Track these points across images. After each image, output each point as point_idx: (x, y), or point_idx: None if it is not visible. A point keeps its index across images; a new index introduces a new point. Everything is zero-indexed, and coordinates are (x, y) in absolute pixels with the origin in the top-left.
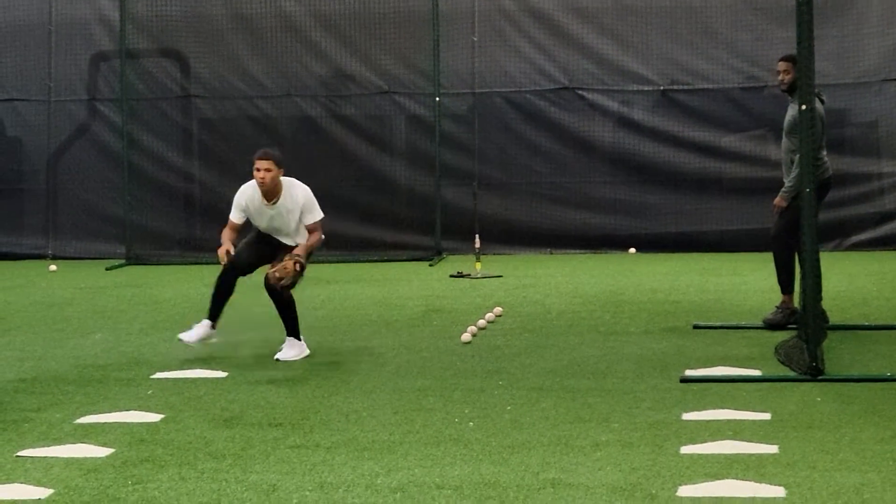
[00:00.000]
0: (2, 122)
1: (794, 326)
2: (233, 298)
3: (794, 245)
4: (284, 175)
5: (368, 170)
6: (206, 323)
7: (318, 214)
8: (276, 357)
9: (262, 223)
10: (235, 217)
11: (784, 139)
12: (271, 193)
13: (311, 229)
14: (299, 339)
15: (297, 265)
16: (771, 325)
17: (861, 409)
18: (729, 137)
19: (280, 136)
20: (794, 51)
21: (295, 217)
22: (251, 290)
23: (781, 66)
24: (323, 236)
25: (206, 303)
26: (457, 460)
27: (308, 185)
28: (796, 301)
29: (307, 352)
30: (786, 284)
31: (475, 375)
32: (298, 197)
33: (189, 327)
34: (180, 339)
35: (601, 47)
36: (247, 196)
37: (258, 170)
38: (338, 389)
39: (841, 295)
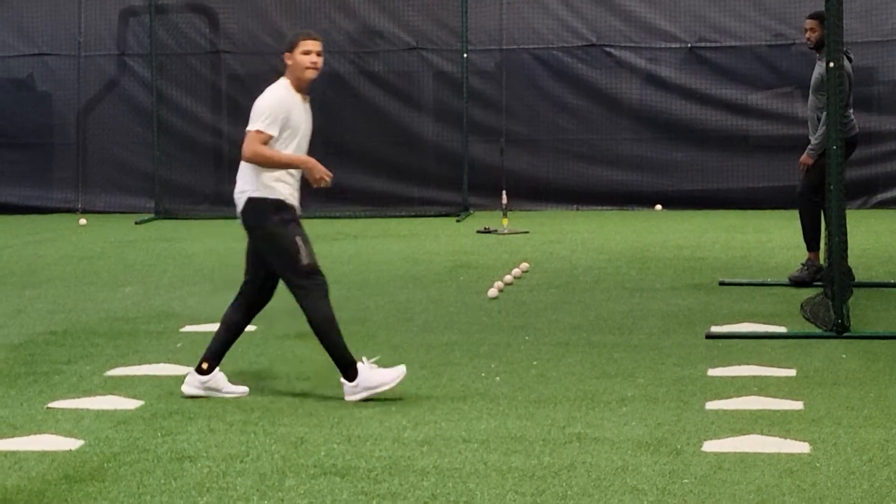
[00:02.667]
0: (32, 77)
1: (819, 284)
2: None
3: (819, 202)
4: None
5: (396, 126)
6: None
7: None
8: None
9: (299, 135)
10: (273, 130)
11: (811, 97)
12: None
13: None
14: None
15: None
16: (797, 283)
17: (886, 366)
18: (756, 95)
19: (308, 92)
20: (822, 8)
21: None
22: None
23: (808, 23)
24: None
25: (237, 257)
26: (483, 414)
27: (336, 141)
28: (822, 258)
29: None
30: (811, 242)
31: (502, 331)
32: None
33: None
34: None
35: (629, 4)
36: (285, 100)
37: (310, 52)
38: (365, 344)
39: (867, 252)
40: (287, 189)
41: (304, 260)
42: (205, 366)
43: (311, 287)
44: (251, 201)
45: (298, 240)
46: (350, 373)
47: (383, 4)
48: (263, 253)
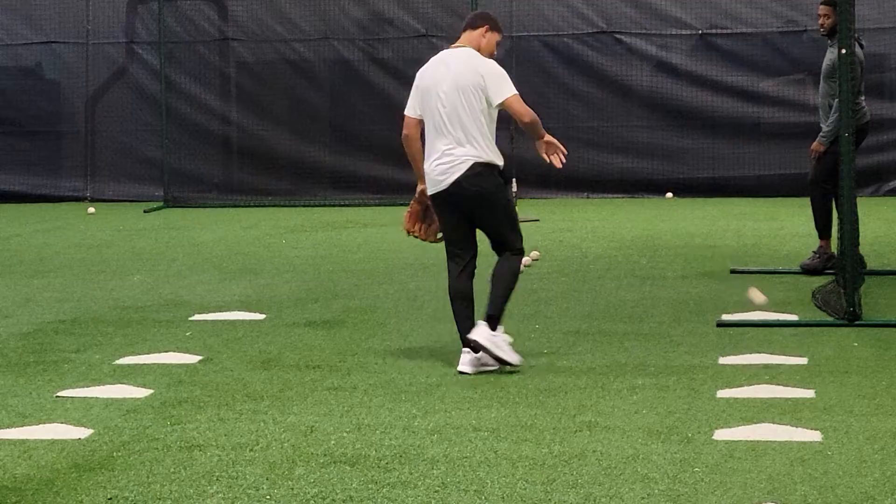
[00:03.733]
0: (40, 65)
1: (831, 272)
2: (270, 241)
3: (831, 190)
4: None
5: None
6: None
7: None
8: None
9: None
10: None
11: (822, 83)
12: None
13: None
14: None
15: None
16: (808, 271)
17: None
18: (767, 82)
19: (317, 80)
20: None
21: None
22: (288, 233)
23: (822, 9)
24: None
25: (246, 246)
26: (493, 403)
27: (345, 129)
28: (834, 246)
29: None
30: (823, 229)
31: (512, 319)
32: None
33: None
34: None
35: None
36: None
37: (498, 47)
38: (375, 332)
39: (879, 240)
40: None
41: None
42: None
43: (521, 247)
44: (480, 165)
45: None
46: (494, 324)
47: None
48: (482, 212)
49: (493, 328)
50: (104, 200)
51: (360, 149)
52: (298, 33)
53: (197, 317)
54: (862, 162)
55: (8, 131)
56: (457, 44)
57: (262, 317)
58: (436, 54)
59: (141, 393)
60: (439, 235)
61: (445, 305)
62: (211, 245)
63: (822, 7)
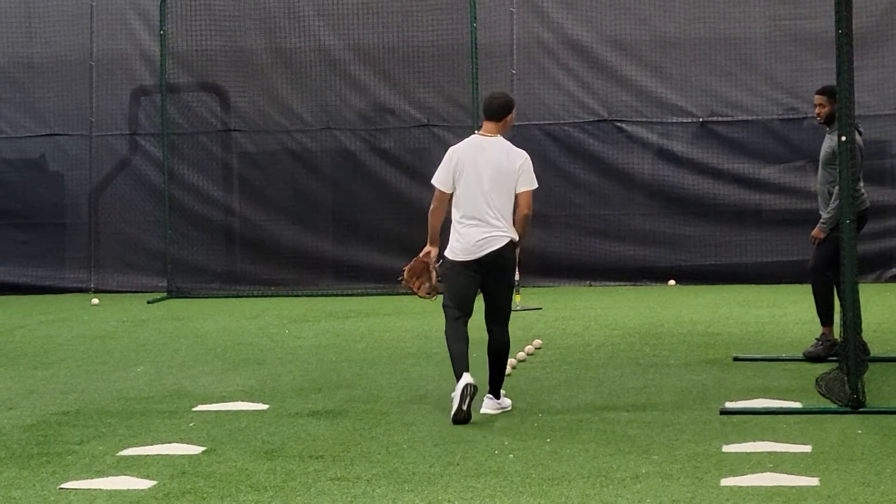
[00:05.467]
0: (44, 157)
1: (834, 358)
2: (273, 331)
3: (832, 277)
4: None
5: (407, 202)
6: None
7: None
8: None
9: None
10: None
11: (820, 170)
12: None
13: None
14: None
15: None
16: (811, 358)
17: None
18: (768, 169)
19: (320, 170)
20: (834, 82)
21: None
22: (291, 322)
23: (817, 98)
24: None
25: (249, 336)
26: (497, 492)
27: (348, 218)
28: (836, 333)
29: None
30: (825, 316)
31: (515, 407)
32: None
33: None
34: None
35: (640, 79)
36: None
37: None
38: (378, 422)
39: (882, 326)
40: None
41: None
42: None
43: (509, 314)
44: (514, 242)
45: None
46: (498, 395)
47: (394, 82)
48: (500, 280)
49: (498, 398)
50: (108, 291)
51: (362, 238)
52: (300, 124)
53: (200, 407)
54: (863, 248)
55: (12, 223)
56: (485, 132)
57: (265, 407)
58: (437, 144)
59: (144, 484)
60: (433, 295)
61: (449, 395)
62: (214, 335)
63: (817, 96)
